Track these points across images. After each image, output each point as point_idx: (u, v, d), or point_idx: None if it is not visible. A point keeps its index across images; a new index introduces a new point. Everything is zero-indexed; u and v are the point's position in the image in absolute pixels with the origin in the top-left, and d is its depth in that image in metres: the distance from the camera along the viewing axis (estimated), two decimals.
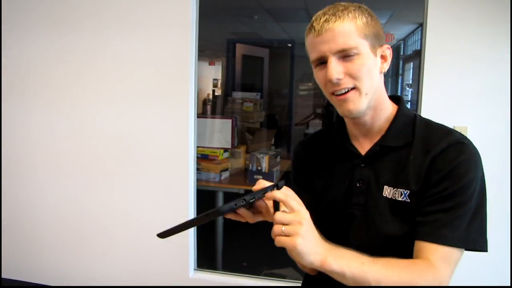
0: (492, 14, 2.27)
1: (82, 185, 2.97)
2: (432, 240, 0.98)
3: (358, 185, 1.12)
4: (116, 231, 2.91)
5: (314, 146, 1.27)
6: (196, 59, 2.73)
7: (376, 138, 1.12)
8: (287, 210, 0.90)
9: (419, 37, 2.50)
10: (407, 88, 5.43)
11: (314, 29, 1.02)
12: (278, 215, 0.89)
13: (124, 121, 2.82)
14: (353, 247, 1.02)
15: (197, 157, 2.99)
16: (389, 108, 1.13)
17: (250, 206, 0.96)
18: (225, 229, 3.41)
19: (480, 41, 2.29)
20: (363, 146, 1.15)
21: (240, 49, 5.63)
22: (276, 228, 0.88)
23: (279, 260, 2.98)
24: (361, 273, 0.91)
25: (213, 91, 6.48)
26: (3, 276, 3.28)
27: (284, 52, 6.22)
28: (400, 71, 5.72)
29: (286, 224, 0.87)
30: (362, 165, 1.12)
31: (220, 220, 3.39)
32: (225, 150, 3.48)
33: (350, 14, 1.01)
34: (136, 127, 2.81)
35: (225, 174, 3.48)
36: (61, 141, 2.96)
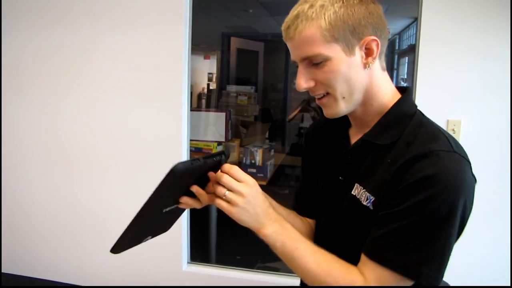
0: (487, 8, 2.27)
1: (76, 180, 2.96)
2: (372, 258, 0.91)
3: (340, 178, 1.07)
4: (110, 225, 2.90)
5: (323, 129, 1.21)
6: (189, 53, 2.72)
7: (365, 132, 1.05)
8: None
9: (414, 32, 2.49)
10: (402, 83, 5.43)
11: (282, 34, 0.98)
12: (226, 178, 0.89)
13: (117, 115, 2.81)
14: (320, 240, 1.11)
15: (191, 151, 2.99)
16: (384, 102, 1.02)
17: (204, 175, 0.92)
18: (219, 222, 3.41)
19: (474, 35, 2.30)
20: (356, 138, 1.07)
21: (235, 43, 5.61)
22: (219, 190, 0.90)
23: (273, 253, 2.98)
24: (290, 258, 0.95)
25: (208, 85, 6.46)
26: (3, 271, 3.27)
27: (279, 46, 6.20)
28: (395, 66, 5.72)
29: (230, 190, 0.90)
30: (349, 157, 1.06)
31: (213, 212, 3.39)
32: (219, 143, 3.48)
33: (314, 15, 0.91)
34: (129, 121, 2.80)
35: None
36: (56, 136, 2.94)
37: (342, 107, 0.99)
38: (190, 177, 0.87)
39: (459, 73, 2.34)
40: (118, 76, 2.77)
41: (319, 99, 1.00)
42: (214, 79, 6.31)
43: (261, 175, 3.42)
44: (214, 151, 3.41)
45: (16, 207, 3.14)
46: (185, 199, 0.93)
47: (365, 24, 0.93)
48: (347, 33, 0.92)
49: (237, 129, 4.05)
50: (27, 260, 3.21)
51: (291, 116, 5.01)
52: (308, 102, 4.74)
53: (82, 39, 2.79)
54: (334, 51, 0.92)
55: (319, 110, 5.03)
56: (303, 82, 0.97)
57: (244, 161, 3.42)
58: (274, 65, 6.19)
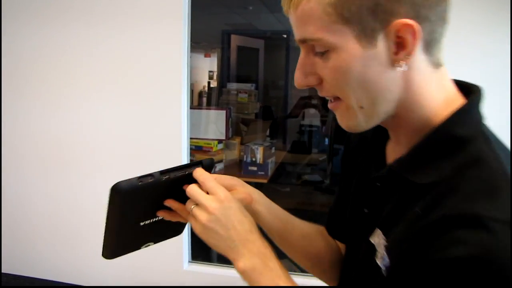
0: (487, 2, 2.25)
1: (76, 179, 2.94)
2: None
3: (365, 210, 0.77)
4: None
5: (369, 132, 0.81)
6: (188, 49, 2.70)
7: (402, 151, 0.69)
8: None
9: None
10: None
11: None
12: (193, 189, 0.74)
13: (116, 114, 2.80)
14: (338, 278, 0.86)
15: (191, 149, 2.97)
16: (429, 116, 0.66)
17: (172, 192, 0.78)
18: None
19: (474, 30, 2.27)
20: (393, 157, 0.73)
21: (235, 40, 5.60)
22: (187, 204, 0.75)
23: (274, 251, 2.96)
24: None
25: (209, 83, 6.45)
26: (3, 271, 3.27)
27: (280, 43, 6.19)
28: None
29: (196, 204, 0.74)
30: (377, 185, 0.72)
31: None
32: (219, 141, 3.46)
33: None
34: (128, 120, 2.78)
35: (219, 166, 3.46)
36: (54, 136, 2.93)
37: (361, 120, 0.66)
38: (154, 191, 0.75)
39: (458, 68, 2.30)
40: (117, 74, 2.75)
41: (330, 102, 0.69)
42: (214, 77, 6.30)
43: (262, 173, 3.40)
44: (214, 149, 3.39)
45: (16, 207, 3.13)
46: (161, 213, 0.80)
47: (393, 1, 0.59)
48: (364, 12, 0.60)
49: (237, 127, 4.03)
50: (27, 260, 3.21)
51: (295, 112, 5.00)
52: (310, 97, 4.73)
53: (81, 37, 2.77)
54: (343, 38, 0.61)
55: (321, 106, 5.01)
56: (300, 76, 0.67)
57: (245, 159, 3.40)
58: (275, 63, 6.17)
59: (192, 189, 0.74)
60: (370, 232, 0.71)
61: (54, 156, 2.96)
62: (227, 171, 3.46)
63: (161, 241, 0.87)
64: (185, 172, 0.76)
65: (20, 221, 3.15)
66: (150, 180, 0.72)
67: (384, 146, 0.79)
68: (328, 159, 4.87)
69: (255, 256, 0.72)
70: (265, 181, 3.38)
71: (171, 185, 0.76)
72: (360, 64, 0.62)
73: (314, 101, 5.06)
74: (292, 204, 3.99)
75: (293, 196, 4.24)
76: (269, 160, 3.47)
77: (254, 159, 3.37)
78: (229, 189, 0.78)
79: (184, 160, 2.76)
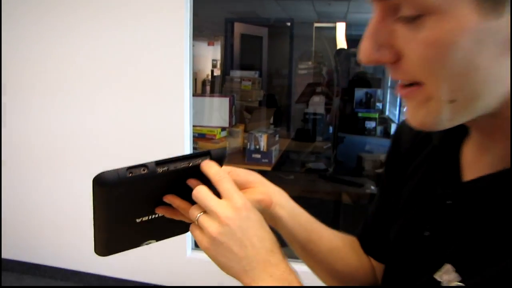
0: None
1: (78, 167, 2.94)
2: None
3: (426, 233, 0.60)
4: None
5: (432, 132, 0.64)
6: (191, 36, 2.67)
7: (493, 165, 0.52)
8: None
9: None
10: None
11: None
12: (201, 192, 0.60)
13: (119, 102, 2.78)
14: None
15: (194, 137, 2.96)
16: None
17: (178, 188, 0.65)
18: None
19: None
20: (472, 168, 0.57)
21: (239, 28, 5.55)
22: (192, 211, 0.61)
23: (278, 239, 2.96)
24: None
25: (212, 71, 6.42)
26: (8, 257, 3.28)
27: (283, 31, 6.14)
28: None
29: (204, 211, 0.60)
30: (448, 203, 0.57)
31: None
32: (223, 129, 3.44)
33: None
34: (130, 108, 2.77)
35: None
36: (56, 122, 2.92)
37: (445, 117, 0.48)
38: (149, 185, 0.63)
39: None
40: (120, 63, 2.73)
41: (403, 87, 0.49)
42: (218, 66, 6.26)
43: (266, 160, 3.39)
44: (218, 137, 3.37)
45: (18, 195, 3.13)
46: (161, 210, 0.67)
47: None
48: None
49: (241, 115, 4.01)
50: (29, 246, 3.21)
51: (303, 99, 4.97)
52: (318, 84, 4.70)
53: (83, 27, 2.75)
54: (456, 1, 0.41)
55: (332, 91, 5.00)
56: (370, 47, 0.47)
57: (248, 146, 3.38)
58: (279, 51, 6.13)
59: (199, 192, 0.60)
60: (434, 265, 0.55)
61: (56, 144, 2.96)
62: (230, 159, 3.45)
63: (164, 239, 0.76)
64: (189, 164, 0.63)
65: (23, 207, 3.15)
66: (143, 171, 0.58)
67: (457, 153, 0.60)
68: (333, 148, 4.84)
69: (277, 283, 0.57)
70: (269, 169, 3.37)
71: (171, 178, 0.63)
72: (471, 40, 0.42)
73: (319, 89, 5.04)
74: (296, 192, 3.97)
75: (297, 184, 4.23)
76: (273, 148, 3.45)
77: (257, 147, 3.35)
78: (244, 186, 0.67)
79: (187, 148, 2.74)
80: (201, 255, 2.97)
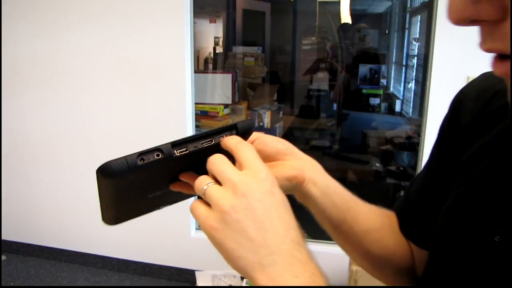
0: None
1: (81, 148, 2.91)
2: None
3: (496, 238, 0.48)
4: None
5: (492, 99, 0.57)
6: (191, 14, 2.60)
7: None
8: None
9: None
10: (414, 42, 5.28)
11: None
12: (216, 159, 0.48)
13: (121, 80, 2.74)
14: None
15: (196, 114, 2.90)
16: None
17: (198, 164, 0.54)
18: None
19: None
20: None
21: (241, 3, 5.44)
22: (199, 182, 0.48)
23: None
24: None
25: (214, 48, 6.34)
26: (12, 239, 3.28)
27: (287, 7, 6.03)
28: (407, 25, 5.55)
29: (216, 182, 0.47)
30: None
31: None
32: (226, 106, 3.37)
33: None
34: (131, 87, 2.72)
35: None
36: (58, 99, 2.88)
37: None
38: (164, 170, 0.54)
39: None
40: (121, 42, 2.69)
41: (501, 60, 0.37)
42: (220, 43, 6.17)
43: None
44: (221, 114, 3.31)
45: (21, 178, 3.11)
46: (176, 187, 0.57)
47: None
48: None
49: (244, 92, 3.94)
50: (34, 228, 3.20)
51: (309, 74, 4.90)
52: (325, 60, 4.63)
53: (84, 7, 2.68)
54: None
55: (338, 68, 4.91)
56: (462, 0, 0.34)
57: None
58: (282, 26, 6.02)
59: (214, 159, 0.48)
60: (506, 279, 0.45)
61: (57, 122, 2.92)
62: None
63: (177, 202, 0.67)
64: (211, 142, 0.52)
65: (27, 191, 3.13)
66: (156, 157, 0.49)
67: None
68: (337, 124, 4.79)
69: (303, 275, 0.43)
70: None
71: (190, 159, 0.53)
72: None
73: (323, 65, 4.96)
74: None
75: None
76: (277, 125, 3.40)
77: (261, 124, 3.30)
78: (272, 158, 0.57)
79: (189, 126, 2.69)
80: (205, 236, 2.94)
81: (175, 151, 0.50)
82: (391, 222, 0.71)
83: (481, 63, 1.89)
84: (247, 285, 2.65)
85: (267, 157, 0.57)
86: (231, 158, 0.50)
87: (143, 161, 0.49)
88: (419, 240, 0.68)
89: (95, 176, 0.51)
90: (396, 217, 0.72)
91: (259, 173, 0.46)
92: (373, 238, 0.68)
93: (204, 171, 0.52)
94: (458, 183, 0.57)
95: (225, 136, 0.53)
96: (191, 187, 0.54)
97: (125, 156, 0.49)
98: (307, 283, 0.42)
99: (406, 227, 0.70)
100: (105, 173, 0.49)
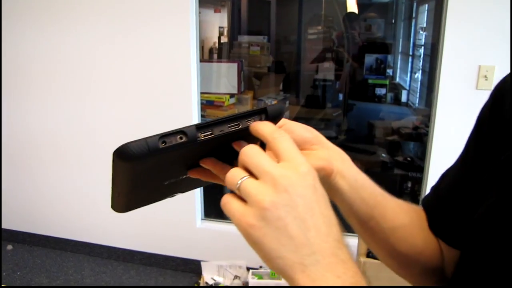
0: None
1: (88, 136, 2.90)
2: None
3: None
4: None
5: None
6: (197, 3, 2.57)
7: None
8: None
9: None
10: (421, 32, 5.22)
11: None
12: (250, 150, 0.44)
13: (127, 70, 2.72)
14: None
15: (202, 104, 2.88)
16: None
17: (223, 151, 0.52)
18: None
19: None
20: None
21: None
22: (232, 175, 0.44)
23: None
24: None
25: (219, 38, 6.30)
26: (18, 229, 3.29)
27: None
28: (413, 14, 5.49)
29: (252, 175, 0.43)
30: None
31: None
32: (231, 95, 3.34)
33: None
34: (138, 76, 2.70)
35: None
36: (63, 89, 2.86)
37: None
38: (187, 154, 0.50)
39: (492, 13, 2.14)
40: (126, 32, 2.66)
41: None
42: (225, 33, 6.14)
43: None
44: (226, 103, 3.27)
45: (28, 170, 3.10)
46: (195, 174, 0.54)
47: None
48: None
49: (250, 81, 3.90)
50: (40, 218, 3.20)
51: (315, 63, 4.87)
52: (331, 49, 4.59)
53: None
54: None
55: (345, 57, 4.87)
56: None
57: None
58: (287, 15, 5.97)
59: (249, 150, 0.44)
60: None
61: (64, 108, 2.90)
62: None
63: (191, 190, 0.64)
64: (238, 126, 0.49)
65: (33, 182, 3.13)
66: (180, 140, 0.46)
67: None
68: (343, 115, 4.76)
69: (346, 275, 0.41)
70: None
71: (214, 144, 0.50)
72: None
73: (329, 55, 4.92)
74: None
75: None
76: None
77: None
78: (299, 147, 0.49)
79: (195, 116, 2.66)
80: (211, 226, 2.94)
81: (200, 134, 0.47)
82: (419, 218, 0.67)
83: (493, 52, 1.86)
84: (253, 276, 2.65)
85: None
86: (262, 145, 0.47)
87: (165, 144, 0.45)
88: (450, 238, 0.64)
89: (111, 159, 0.46)
90: (425, 214, 0.67)
91: (301, 166, 0.42)
92: (401, 235, 0.64)
93: (226, 157, 0.50)
94: (503, 179, 0.51)
95: (254, 121, 0.49)
96: (211, 174, 0.51)
97: (145, 138, 0.45)
98: (349, 283, 0.40)
99: (436, 224, 0.66)
100: (123, 156, 0.45)
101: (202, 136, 0.46)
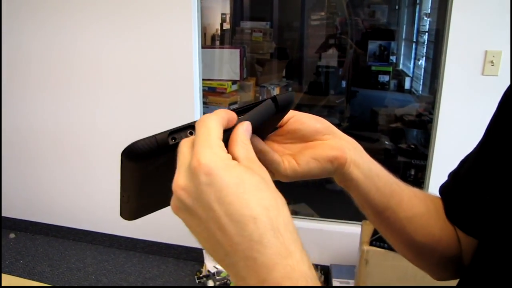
0: None
1: (91, 126, 2.88)
2: None
3: None
4: None
5: None
6: None
7: None
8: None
9: None
10: (425, 18, 5.16)
11: None
12: (208, 117, 0.42)
13: (127, 57, 2.70)
14: None
15: (204, 90, 2.85)
16: None
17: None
18: None
19: None
20: None
21: None
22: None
23: (291, 195, 2.89)
24: None
25: (221, 25, 6.26)
26: (20, 217, 3.29)
27: None
28: (418, 0, 5.42)
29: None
30: None
31: None
32: (234, 82, 3.30)
33: None
34: (139, 63, 2.68)
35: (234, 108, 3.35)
36: (68, 81, 2.84)
37: None
38: None
39: None
40: (128, 19, 2.63)
41: None
42: (227, 20, 6.09)
43: None
44: (228, 90, 3.24)
45: (31, 157, 3.09)
46: None
47: None
48: None
49: (252, 68, 3.87)
50: (42, 207, 3.20)
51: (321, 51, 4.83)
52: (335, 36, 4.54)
53: None
54: None
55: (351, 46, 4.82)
56: None
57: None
58: (290, 2, 5.91)
59: (207, 119, 0.42)
60: None
61: (69, 101, 2.89)
62: None
63: None
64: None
65: (35, 171, 3.12)
66: (190, 135, 0.45)
67: None
68: (346, 102, 4.73)
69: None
70: None
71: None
72: None
73: (332, 41, 4.88)
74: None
75: None
76: None
77: None
78: (310, 137, 0.53)
79: (197, 102, 2.64)
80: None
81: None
82: (436, 207, 0.64)
83: (499, 36, 1.81)
84: None
85: (304, 137, 0.53)
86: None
87: (175, 140, 0.43)
88: (468, 226, 0.62)
89: (119, 160, 0.44)
90: (442, 202, 0.65)
91: (241, 153, 0.41)
92: (417, 224, 0.62)
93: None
94: None
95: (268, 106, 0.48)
96: None
97: (154, 135, 0.43)
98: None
99: (453, 212, 0.64)
100: (132, 155, 0.43)
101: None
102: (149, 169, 0.47)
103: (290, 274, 0.36)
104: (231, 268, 0.38)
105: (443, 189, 0.66)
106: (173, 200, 0.41)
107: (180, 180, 0.40)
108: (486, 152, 0.59)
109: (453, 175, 0.66)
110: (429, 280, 0.72)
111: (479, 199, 0.59)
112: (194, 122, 0.44)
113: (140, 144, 0.43)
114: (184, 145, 0.41)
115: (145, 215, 0.57)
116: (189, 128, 0.44)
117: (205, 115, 0.42)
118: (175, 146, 0.43)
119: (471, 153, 0.64)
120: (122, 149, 0.43)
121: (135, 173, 0.47)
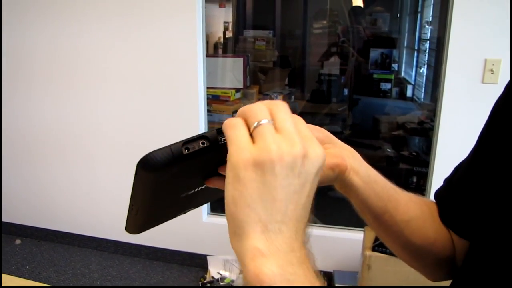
0: None
1: (95, 134, 2.90)
2: None
3: None
4: (127, 174, 2.86)
5: None
6: None
7: None
8: None
9: None
10: (426, 26, 5.20)
11: None
12: (279, 104, 0.44)
13: (132, 65, 2.72)
14: None
15: (208, 98, 2.88)
16: None
17: None
18: None
19: None
20: None
21: None
22: (254, 112, 0.43)
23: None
24: None
25: (224, 33, 6.30)
26: (22, 223, 3.31)
27: None
28: (419, 8, 5.46)
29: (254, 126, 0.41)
30: None
31: None
32: (237, 90, 3.34)
33: None
34: (144, 71, 2.70)
35: None
36: (71, 86, 2.87)
37: None
38: (208, 158, 0.48)
39: (498, 6, 2.13)
40: (132, 27, 2.67)
41: None
42: (230, 28, 6.13)
43: None
44: (232, 98, 3.28)
45: (36, 162, 3.11)
46: (214, 182, 0.52)
47: None
48: None
49: (255, 76, 3.91)
50: (47, 213, 3.22)
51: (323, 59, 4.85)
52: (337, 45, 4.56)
53: None
54: None
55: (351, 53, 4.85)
56: None
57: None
58: (292, 10, 5.95)
59: (279, 105, 0.44)
60: None
61: (73, 107, 2.91)
62: None
63: (202, 205, 0.64)
64: None
65: (40, 177, 3.14)
66: (202, 145, 0.45)
67: None
68: (348, 109, 4.75)
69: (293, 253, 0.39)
70: None
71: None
72: None
73: (334, 49, 4.91)
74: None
75: None
76: None
77: None
78: None
79: (201, 110, 2.67)
80: (217, 220, 2.95)
81: (221, 138, 0.45)
82: (431, 210, 0.68)
83: (499, 45, 1.86)
84: None
85: None
86: None
87: (188, 150, 0.44)
88: (461, 229, 0.65)
89: (134, 171, 0.45)
90: (437, 205, 0.69)
91: (321, 151, 0.43)
92: (413, 227, 0.65)
93: None
94: None
95: None
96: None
97: (169, 146, 0.44)
98: (303, 256, 0.40)
99: (446, 215, 0.67)
100: (149, 165, 0.44)
101: (223, 140, 0.45)
102: (162, 180, 0.48)
103: (308, 255, 0.41)
104: (270, 232, 0.39)
105: (437, 193, 0.70)
106: (251, 156, 0.39)
107: (280, 149, 0.39)
108: (479, 159, 0.62)
109: (447, 181, 0.70)
110: (430, 286, 0.75)
111: (471, 203, 0.62)
112: (206, 132, 0.46)
113: (156, 155, 0.44)
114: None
115: (148, 229, 0.59)
116: (202, 139, 0.45)
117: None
118: (189, 156, 0.44)
119: (464, 160, 0.67)
120: (128, 157, 0.47)
121: (148, 184, 0.48)
